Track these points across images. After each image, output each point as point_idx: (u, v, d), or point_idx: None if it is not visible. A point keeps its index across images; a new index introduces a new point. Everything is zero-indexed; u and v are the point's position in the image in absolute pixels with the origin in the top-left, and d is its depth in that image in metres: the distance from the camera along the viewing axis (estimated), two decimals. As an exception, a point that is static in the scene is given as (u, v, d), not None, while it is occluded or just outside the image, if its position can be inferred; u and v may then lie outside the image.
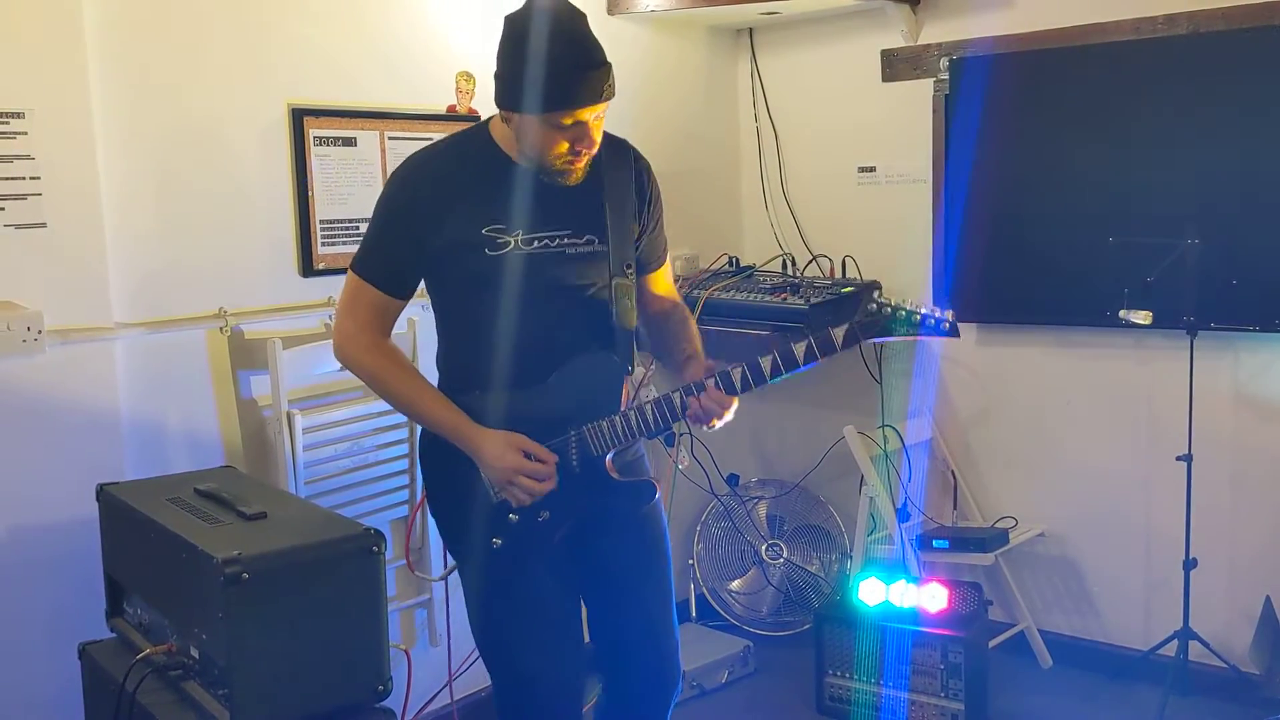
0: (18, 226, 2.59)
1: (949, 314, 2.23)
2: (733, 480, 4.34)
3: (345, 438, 3.15)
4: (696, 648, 3.94)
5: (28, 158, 2.60)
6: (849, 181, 4.28)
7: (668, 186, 4.17)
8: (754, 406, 4.40)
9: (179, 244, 2.91)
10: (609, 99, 2.18)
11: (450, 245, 2.26)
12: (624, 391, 2.35)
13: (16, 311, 2.56)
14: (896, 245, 4.11)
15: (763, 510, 4.31)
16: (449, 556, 2.48)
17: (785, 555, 4.23)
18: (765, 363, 2.25)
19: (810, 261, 4.26)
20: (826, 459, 4.22)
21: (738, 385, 2.27)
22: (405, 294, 2.33)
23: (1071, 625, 3.97)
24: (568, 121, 2.15)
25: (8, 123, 2.57)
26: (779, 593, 4.23)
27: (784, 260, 4.31)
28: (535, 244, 2.28)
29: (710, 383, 2.27)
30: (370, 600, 2.06)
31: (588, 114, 2.16)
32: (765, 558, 4.24)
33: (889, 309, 2.22)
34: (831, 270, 4.17)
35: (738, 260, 4.32)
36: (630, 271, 2.38)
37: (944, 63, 3.95)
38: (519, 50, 2.13)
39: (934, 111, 4.01)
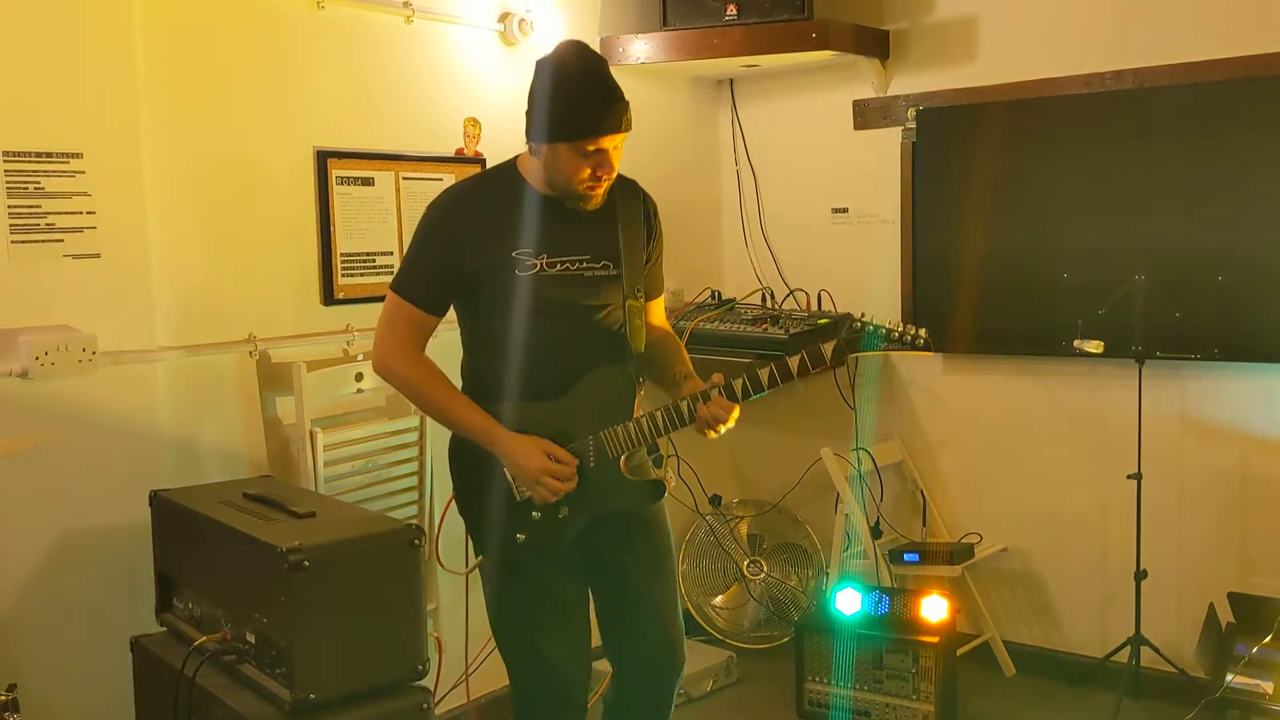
0: (75, 256, 2.84)
1: (922, 330, 2.51)
2: (716, 500, 4.60)
3: (362, 454, 3.39)
4: (683, 658, 4.18)
5: (84, 194, 2.85)
6: (823, 222, 4.57)
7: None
8: (736, 430, 4.62)
9: (215, 274, 3.16)
10: (628, 130, 2.48)
11: (484, 267, 2.53)
12: (636, 401, 2.61)
13: (73, 334, 2.80)
14: (868, 281, 4.38)
15: (744, 529, 4.57)
16: (471, 552, 2.71)
17: (765, 571, 4.49)
18: (763, 374, 2.53)
19: (788, 295, 4.54)
20: (803, 481, 4.49)
21: (739, 394, 2.54)
22: (441, 311, 2.60)
23: (1033, 635, 4.25)
24: (591, 149, 2.44)
25: (67, 162, 2.81)
26: (760, 606, 4.49)
27: (763, 294, 4.57)
28: (559, 266, 2.55)
29: (715, 393, 2.54)
30: (411, 588, 2.31)
31: (609, 142, 2.45)
32: (746, 574, 4.50)
33: (870, 326, 2.51)
34: (808, 303, 4.45)
35: (720, 293, 4.60)
36: (640, 295, 2.65)
37: (911, 112, 4.25)
38: (550, 88, 2.45)
39: (902, 157, 4.30)
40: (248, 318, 3.23)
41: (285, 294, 3.34)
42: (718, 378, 2.57)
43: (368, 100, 3.50)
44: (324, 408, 3.34)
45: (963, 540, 4.21)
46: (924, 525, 4.33)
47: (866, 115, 4.42)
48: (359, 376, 3.42)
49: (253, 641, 2.31)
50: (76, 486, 2.85)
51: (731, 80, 4.72)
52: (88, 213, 2.86)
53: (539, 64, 2.51)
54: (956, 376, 4.33)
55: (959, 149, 4.19)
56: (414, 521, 2.63)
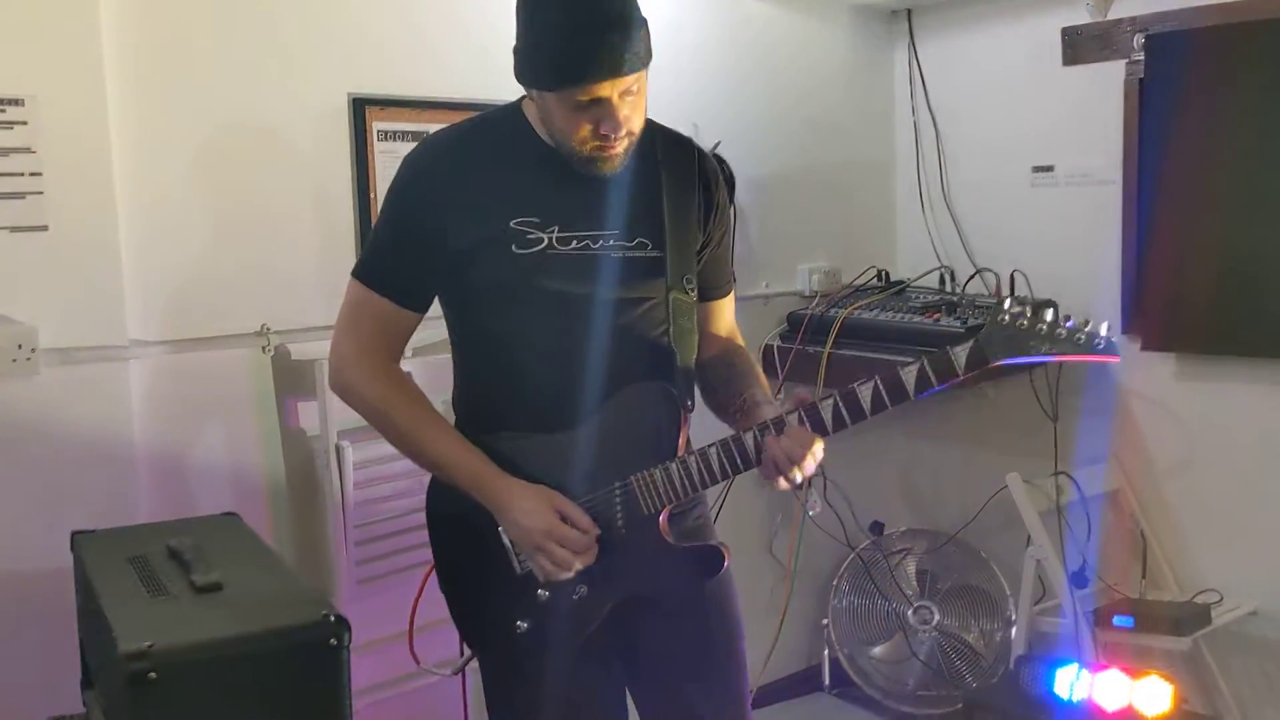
0: (12, 229, 2.27)
1: (1102, 328, 1.72)
2: (876, 528, 3.76)
3: (402, 474, 2.74)
4: (826, 726, 3.41)
5: (27, 151, 2.28)
6: (1021, 183, 3.67)
7: (808, 190, 3.70)
8: (904, 444, 3.84)
9: (213, 251, 2.56)
10: (634, 70, 1.72)
11: (473, 243, 1.85)
12: (682, 432, 1.86)
13: (6, 327, 2.24)
14: (1077, 258, 3.49)
15: (911, 566, 3.72)
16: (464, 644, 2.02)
17: (937, 619, 3.62)
18: (864, 392, 1.76)
19: (972, 276, 3.66)
20: (992, 506, 3.59)
21: (828, 422, 1.76)
22: (419, 305, 1.93)
23: (1292, 726, 3.25)
24: (584, 99, 1.72)
25: (3, 110, 2.25)
26: (927, 666, 3.63)
27: (942, 275, 3.73)
28: (574, 243, 1.85)
29: (793, 418, 1.77)
30: (326, 705, 1.61)
31: (608, 89, 1.71)
32: (912, 622, 3.64)
33: (1025, 321, 1.72)
34: (998, 287, 3.56)
35: (888, 274, 3.76)
36: (691, 288, 1.92)
37: (1139, 40, 3.31)
38: (530, 13, 1.75)
39: (1126, 99, 3.37)
40: (259, 305, 2.62)
41: (309, 275, 2.71)
42: (803, 396, 1.80)
43: (420, 34, 2.83)
44: (355, 416, 2.68)
45: (1196, 599, 3.23)
46: (1144, 577, 3.37)
47: (1079, 46, 3.47)
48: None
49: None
50: (10, 522, 2.27)
51: (909, 10, 3.84)
52: (31, 174, 2.29)
53: None
54: (1194, 384, 3.34)
55: (1202, 86, 3.20)
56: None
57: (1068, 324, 1.71)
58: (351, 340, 1.91)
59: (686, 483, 1.81)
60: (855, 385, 1.76)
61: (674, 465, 1.82)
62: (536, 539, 1.79)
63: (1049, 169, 3.61)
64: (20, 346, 2.24)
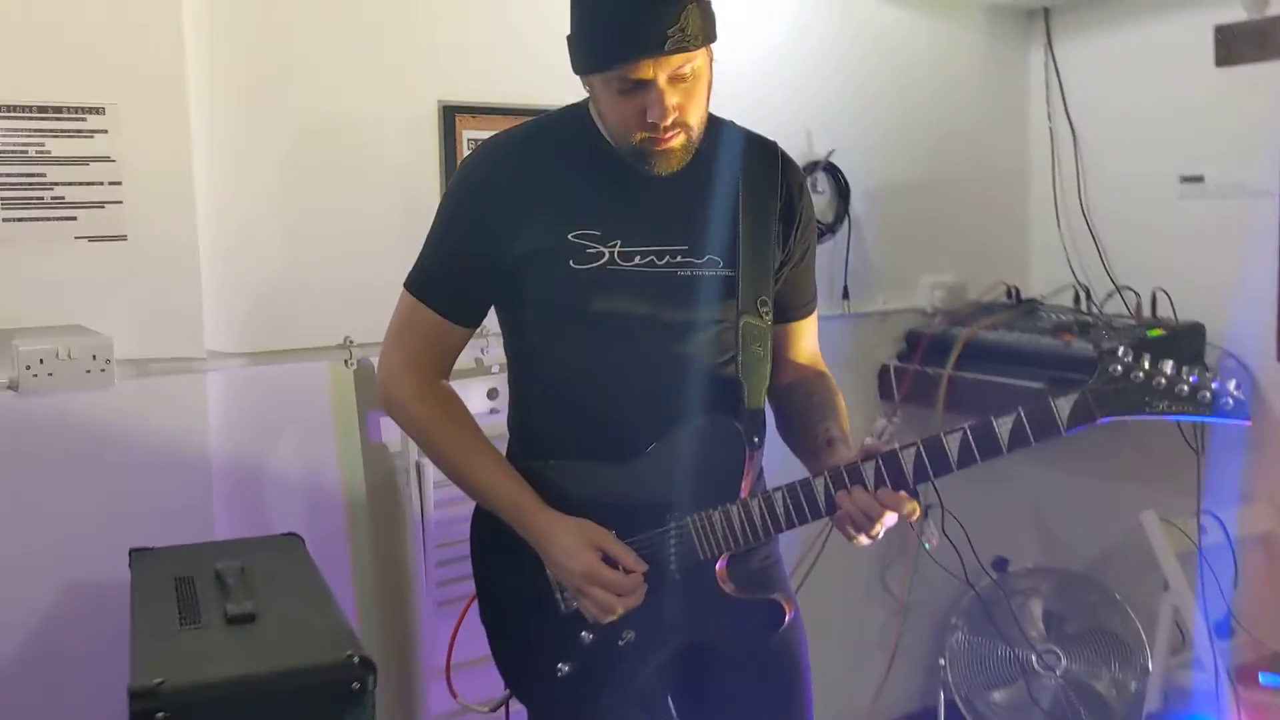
0: (91, 239, 2.25)
1: (1234, 384, 1.52)
2: (1000, 565, 3.51)
3: (485, 496, 2.65)
4: (939, 774, 3.18)
5: (106, 160, 2.25)
6: (1167, 195, 3.37)
7: (932, 200, 3.48)
8: (1030, 473, 3.57)
9: (296, 261, 2.51)
10: (680, 50, 1.56)
11: (528, 256, 1.73)
12: (747, 472, 1.70)
13: (82, 338, 2.21)
14: (1227, 278, 3.18)
15: (1038, 607, 3.46)
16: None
17: (1064, 665, 3.36)
18: (951, 443, 1.58)
19: (1111, 295, 3.38)
20: (1128, 543, 3.32)
21: (909, 474, 1.59)
22: (469, 320, 1.83)
23: None
24: (629, 80, 1.59)
25: (84, 119, 2.23)
26: (1051, 716, 3.36)
27: (1077, 292, 3.46)
28: (637, 259, 1.71)
29: (869, 469, 1.59)
30: (350, 754, 1.51)
31: (654, 69, 1.56)
32: (1036, 667, 3.38)
33: (1141, 375, 1.53)
34: (1138, 308, 3.29)
35: (1018, 291, 3.52)
36: (765, 311, 1.75)
37: (1302, 38, 3.00)
38: None
39: (1286, 103, 3.06)
40: (342, 317, 2.56)
41: (395, 288, 2.58)
42: (872, 445, 1.62)
43: (512, 39, 2.73)
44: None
45: (1357, 658, 2.92)
46: (1297, 629, 3.06)
47: (1234, 45, 3.17)
48: (493, 393, 2.68)
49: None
50: (83, 537, 2.25)
51: (1046, 9, 3.59)
52: (111, 183, 2.26)
53: None
54: (1359, 417, 3.02)
55: (1375, 87, 2.89)
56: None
57: (1191, 379, 1.51)
58: (399, 354, 1.82)
59: (748, 528, 1.66)
60: (942, 434, 1.59)
61: (735, 509, 1.66)
62: (576, 580, 1.66)
63: (1198, 179, 3.32)
64: (95, 357, 2.21)
